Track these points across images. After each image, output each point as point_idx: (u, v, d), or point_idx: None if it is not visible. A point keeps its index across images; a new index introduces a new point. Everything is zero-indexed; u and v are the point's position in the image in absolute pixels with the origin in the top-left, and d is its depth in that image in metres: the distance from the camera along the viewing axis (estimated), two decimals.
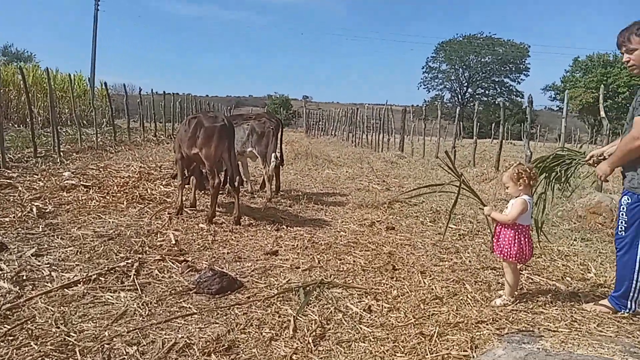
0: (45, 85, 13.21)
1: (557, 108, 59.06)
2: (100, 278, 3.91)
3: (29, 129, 10.79)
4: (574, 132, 39.97)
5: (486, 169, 11.68)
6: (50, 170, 8.57)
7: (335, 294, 3.75)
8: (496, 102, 58.14)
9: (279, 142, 7.76)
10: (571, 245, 5.34)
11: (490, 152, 19.75)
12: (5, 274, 3.85)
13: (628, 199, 3.22)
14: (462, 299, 3.59)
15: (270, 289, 3.81)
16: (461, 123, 43.66)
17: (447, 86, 66.44)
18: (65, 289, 3.65)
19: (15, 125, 18.72)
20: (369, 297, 3.68)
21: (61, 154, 10.74)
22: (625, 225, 3.22)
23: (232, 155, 5.92)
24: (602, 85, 8.24)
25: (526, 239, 3.44)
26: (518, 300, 3.54)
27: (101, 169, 8.82)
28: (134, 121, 21.29)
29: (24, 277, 3.84)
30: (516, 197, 3.50)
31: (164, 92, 23.94)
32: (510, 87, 64.35)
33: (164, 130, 21.07)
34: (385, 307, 3.48)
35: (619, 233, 3.28)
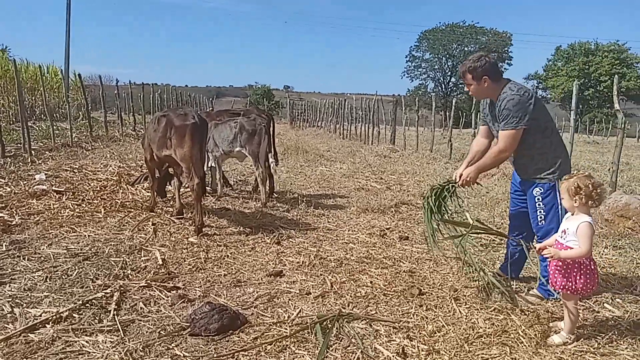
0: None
1: (541, 97, 59.32)
2: (74, 315, 3.24)
3: None
4: (557, 120, 39.79)
5: None
6: (19, 173, 7.76)
7: (358, 329, 3.14)
8: None
9: (272, 140, 7.08)
10: (603, 254, 4.83)
11: None
12: None
13: (540, 189, 3.57)
14: (512, 337, 3.01)
15: (280, 326, 3.18)
16: (446, 113, 43.24)
17: (431, 75, 66.00)
18: (29, 333, 2.98)
19: None
20: (399, 334, 3.08)
21: (32, 152, 9.86)
22: (544, 214, 3.56)
23: (201, 154, 5.38)
24: (615, 76, 7.71)
25: (593, 266, 2.87)
26: (579, 337, 2.98)
27: (76, 171, 8.04)
28: (111, 113, 20.28)
29: None
30: (573, 215, 2.92)
31: (143, 83, 22.91)
32: None
33: (144, 123, 20.11)
34: (422, 349, 2.89)
35: (539, 223, 3.59)
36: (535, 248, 3.13)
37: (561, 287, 2.87)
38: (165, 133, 5.32)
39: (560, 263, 2.87)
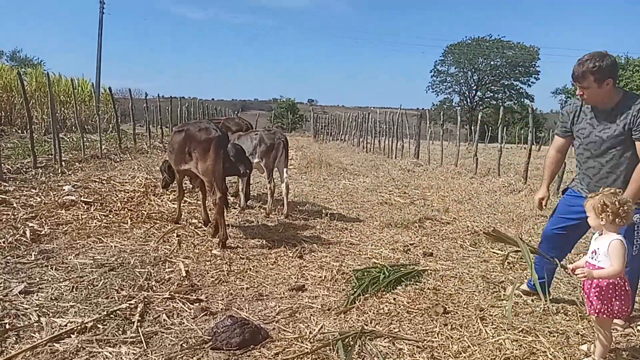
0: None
1: None
2: (98, 325, 3.27)
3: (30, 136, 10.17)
4: None
5: (513, 179, 10.95)
6: (49, 183, 7.96)
7: (381, 347, 3.09)
8: (505, 105, 57.38)
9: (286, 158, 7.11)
10: None
11: (507, 157, 19.02)
12: None
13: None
14: (540, 359, 2.91)
15: (302, 342, 3.15)
16: (472, 127, 42.73)
17: (456, 89, 65.58)
18: (55, 343, 3.02)
19: (19, 131, 18.25)
20: (423, 353, 3.02)
21: (62, 163, 10.13)
22: None
23: (222, 167, 5.37)
24: None
25: (628, 287, 2.76)
26: None
27: (104, 182, 8.20)
28: (140, 126, 20.74)
29: (7, 325, 3.20)
30: (602, 234, 2.82)
31: (171, 96, 23.45)
32: (521, 90, 63.44)
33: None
34: None
35: (634, 253, 3.21)
36: (567, 268, 3.03)
37: (597, 310, 2.77)
38: (183, 148, 5.34)
39: (595, 285, 2.77)
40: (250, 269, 4.58)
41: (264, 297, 3.92)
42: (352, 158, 17.81)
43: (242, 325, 3.16)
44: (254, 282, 4.25)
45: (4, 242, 4.83)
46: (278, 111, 58.99)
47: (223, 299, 3.84)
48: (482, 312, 3.59)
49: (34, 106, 18.97)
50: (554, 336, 3.21)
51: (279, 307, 3.72)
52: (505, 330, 3.30)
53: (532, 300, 3.87)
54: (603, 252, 2.74)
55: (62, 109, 21.37)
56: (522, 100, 60.90)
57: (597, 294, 2.77)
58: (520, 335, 3.22)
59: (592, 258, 2.82)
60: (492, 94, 64.85)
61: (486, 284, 4.27)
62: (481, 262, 4.95)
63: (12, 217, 5.76)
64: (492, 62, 62.62)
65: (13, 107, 20.20)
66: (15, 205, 6.31)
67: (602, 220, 2.78)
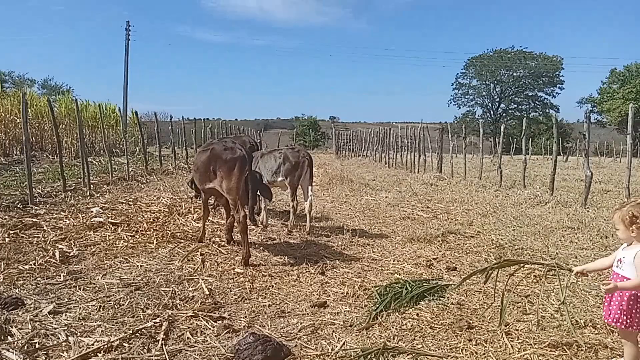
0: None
1: (595, 120, 57.00)
2: (124, 344, 3.33)
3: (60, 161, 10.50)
4: (614, 144, 38.54)
5: (539, 191, 10.75)
6: (78, 206, 8.18)
7: None
8: (529, 116, 56.67)
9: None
10: None
11: (533, 169, 18.69)
12: (16, 342, 3.31)
13: None
14: None
15: (324, 359, 3.14)
16: (495, 139, 42.27)
17: (479, 102, 65.06)
18: None
19: (50, 156, 18.86)
20: None
21: (91, 186, 10.41)
22: None
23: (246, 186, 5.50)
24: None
25: None
26: None
27: (131, 203, 8.39)
28: (165, 148, 21.19)
29: (37, 345, 3.29)
30: (628, 245, 2.76)
31: (195, 118, 23.92)
32: (545, 101, 62.57)
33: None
34: None
35: None
36: (572, 272, 2.97)
37: (615, 320, 2.70)
38: (208, 166, 5.46)
39: (617, 295, 2.70)
40: (273, 286, 4.60)
41: (286, 314, 3.93)
42: (374, 173, 17.78)
43: (265, 343, 3.17)
44: (276, 299, 4.27)
45: (34, 264, 4.99)
46: (300, 129, 59.43)
47: (246, 317, 3.87)
48: (507, 326, 3.53)
49: (64, 131, 19.60)
50: (581, 351, 3.13)
51: (301, 324, 3.72)
52: (531, 345, 3.23)
53: (560, 314, 3.77)
54: (629, 261, 2.68)
55: (91, 133, 22.02)
56: (547, 110, 60.01)
57: (617, 302, 2.70)
58: (547, 350, 3.15)
59: (617, 267, 2.77)
60: (516, 105, 64.15)
61: (511, 297, 4.19)
62: (506, 275, 4.85)
63: (43, 239, 5.94)
64: (514, 74, 62.11)
65: (44, 133, 20.94)
66: (45, 227, 6.51)
67: (632, 232, 2.72)
